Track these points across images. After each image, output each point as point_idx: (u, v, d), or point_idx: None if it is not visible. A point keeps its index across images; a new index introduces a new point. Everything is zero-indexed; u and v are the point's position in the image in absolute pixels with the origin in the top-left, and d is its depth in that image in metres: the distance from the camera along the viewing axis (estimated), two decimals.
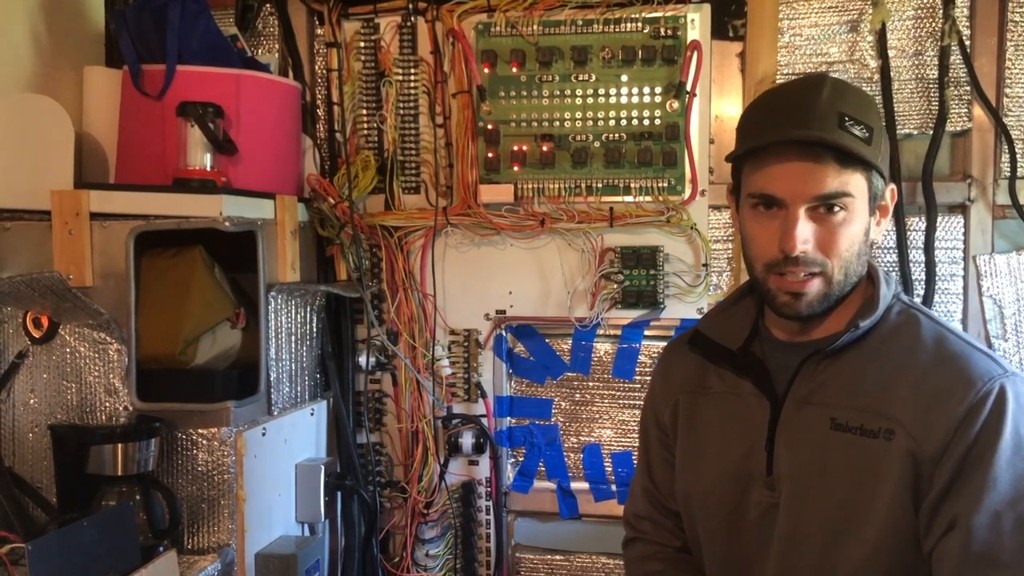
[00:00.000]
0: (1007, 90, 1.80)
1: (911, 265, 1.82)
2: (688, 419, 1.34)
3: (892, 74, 1.81)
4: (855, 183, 1.13)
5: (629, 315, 1.93)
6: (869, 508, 1.12)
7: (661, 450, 1.41)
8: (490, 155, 1.92)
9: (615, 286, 1.90)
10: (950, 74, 1.80)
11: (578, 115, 1.90)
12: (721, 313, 1.36)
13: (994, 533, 1.06)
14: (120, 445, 1.52)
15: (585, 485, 2.00)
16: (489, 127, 1.92)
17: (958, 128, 1.82)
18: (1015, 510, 1.06)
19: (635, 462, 1.97)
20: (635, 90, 1.88)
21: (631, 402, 1.97)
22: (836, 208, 1.13)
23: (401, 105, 1.97)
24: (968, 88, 1.80)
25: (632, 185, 1.88)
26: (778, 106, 1.19)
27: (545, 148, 1.90)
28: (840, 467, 1.15)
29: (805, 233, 1.13)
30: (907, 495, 1.11)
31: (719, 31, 1.87)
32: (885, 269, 1.28)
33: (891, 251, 1.83)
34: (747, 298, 1.33)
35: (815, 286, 1.15)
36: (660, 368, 1.46)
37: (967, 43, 1.79)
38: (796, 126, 1.12)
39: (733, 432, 1.26)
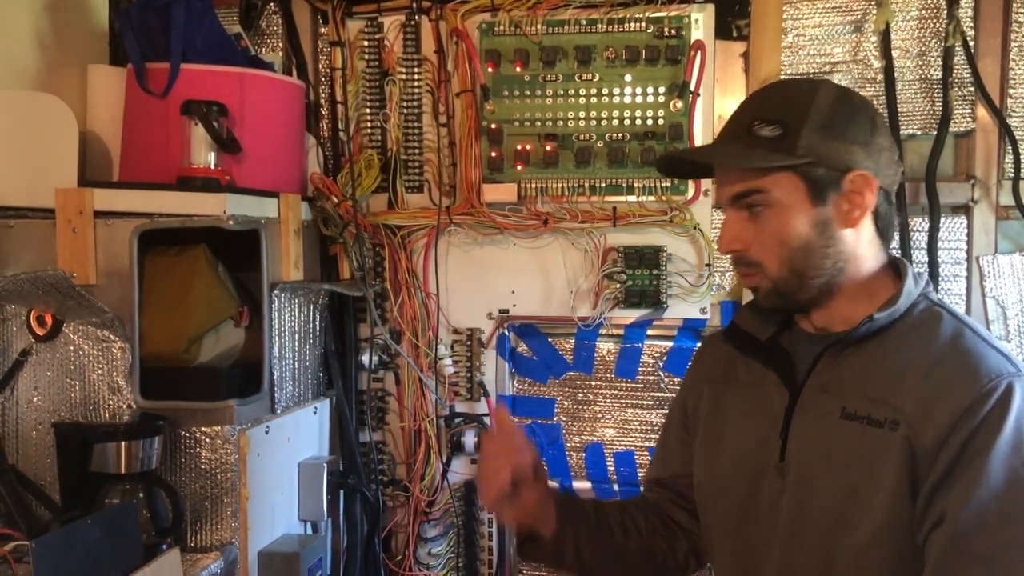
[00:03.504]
0: (1011, 91, 1.80)
1: (915, 266, 1.82)
2: (714, 408, 1.35)
3: (896, 74, 1.82)
4: (771, 179, 1.15)
5: (632, 315, 1.93)
6: (870, 496, 1.13)
7: (679, 431, 1.43)
8: (493, 154, 1.92)
9: (618, 286, 1.90)
10: (954, 75, 1.80)
11: (581, 115, 1.90)
12: (757, 305, 1.37)
13: (979, 529, 1.05)
14: (123, 443, 1.52)
15: (587, 484, 2.00)
16: (492, 126, 1.92)
17: (962, 129, 1.82)
18: (1002, 508, 1.05)
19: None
20: (639, 90, 1.88)
21: (633, 402, 1.97)
22: (755, 206, 1.17)
23: (405, 104, 1.97)
24: (972, 89, 1.80)
25: (635, 185, 1.89)
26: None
27: (548, 147, 1.90)
28: (845, 455, 1.15)
29: (731, 232, 1.19)
30: (906, 486, 1.11)
31: (723, 31, 1.87)
32: (918, 269, 1.27)
33: (894, 251, 1.83)
34: None
35: (758, 281, 1.21)
36: (693, 358, 1.49)
37: (971, 44, 1.79)
38: (717, 138, 1.26)
39: (753, 420, 1.27)
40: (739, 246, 1.19)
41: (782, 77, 1.84)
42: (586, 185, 1.90)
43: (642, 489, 1.53)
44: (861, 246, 1.20)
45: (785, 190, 1.16)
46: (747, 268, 1.21)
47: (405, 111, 1.97)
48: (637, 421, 1.98)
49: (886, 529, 1.12)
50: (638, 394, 1.97)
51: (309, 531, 1.87)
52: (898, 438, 1.11)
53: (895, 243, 1.83)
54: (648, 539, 1.41)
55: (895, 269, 1.24)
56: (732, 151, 1.20)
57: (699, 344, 1.51)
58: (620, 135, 1.89)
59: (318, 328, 1.93)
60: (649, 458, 1.97)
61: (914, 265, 1.80)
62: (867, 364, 1.18)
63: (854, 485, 1.14)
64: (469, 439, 1.96)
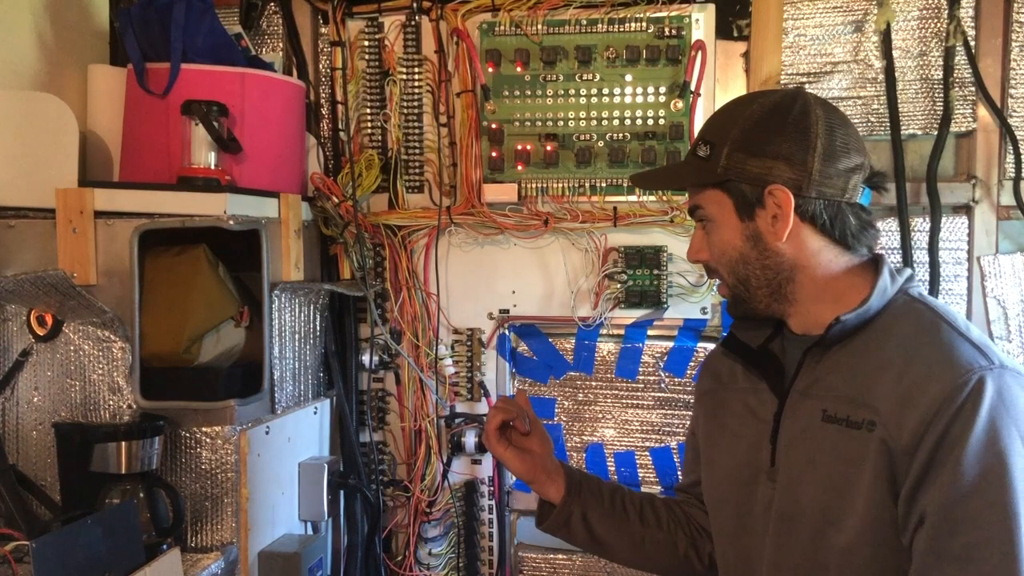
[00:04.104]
0: (1012, 91, 1.80)
1: (915, 266, 1.82)
2: (714, 416, 1.38)
3: (896, 74, 1.81)
4: (706, 196, 1.24)
5: (632, 315, 1.93)
6: (851, 498, 1.13)
7: (693, 441, 1.48)
8: (494, 154, 1.92)
9: (618, 286, 1.90)
10: (955, 74, 1.80)
11: (582, 114, 1.90)
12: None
13: (955, 528, 1.05)
14: (124, 443, 1.52)
15: None
16: (493, 126, 1.92)
17: (962, 129, 1.82)
18: (976, 505, 1.05)
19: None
20: (639, 90, 1.88)
21: (634, 402, 1.97)
22: (702, 220, 1.26)
23: (405, 104, 1.97)
24: (972, 89, 1.80)
25: None
26: None
27: (549, 147, 1.90)
28: (827, 458, 1.16)
29: (694, 244, 1.29)
30: (886, 486, 1.11)
31: (723, 31, 1.87)
32: (897, 266, 1.27)
33: (895, 251, 1.83)
34: None
35: (724, 289, 1.28)
36: (702, 366, 1.51)
37: (972, 44, 1.79)
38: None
39: (747, 427, 1.29)
40: (702, 256, 1.28)
41: (782, 78, 1.84)
42: (587, 185, 1.90)
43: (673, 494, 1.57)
44: (807, 256, 1.20)
45: (716, 206, 1.23)
46: (712, 276, 1.31)
47: (405, 111, 1.97)
48: (637, 421, 1.97)
49: (870, 530, 1.12)
50: (639, 394, 1.97)
51: (309, 531, 1.87)
52: (875, 439, 1.11)
53: (896, 243, 1.83)
54: (669, 533, 1.45)
55: (875, 267, 1.24)
56: (673, 172, 1.36)
57: (708, 354, 1.52)
58: (621, 135, 1.89)
59: (318, 328, 1.93)
60: (649, 458, 1.97)
61: (914, 265, 1.82)
62: (845, 365, 1.19)
63: (837, 487, 1.15)
64: (470, 439, 1.96)
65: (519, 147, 1.92)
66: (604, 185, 1.90)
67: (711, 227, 1.25)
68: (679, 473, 1.92)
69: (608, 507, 1.43)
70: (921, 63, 1.83)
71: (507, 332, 2.00)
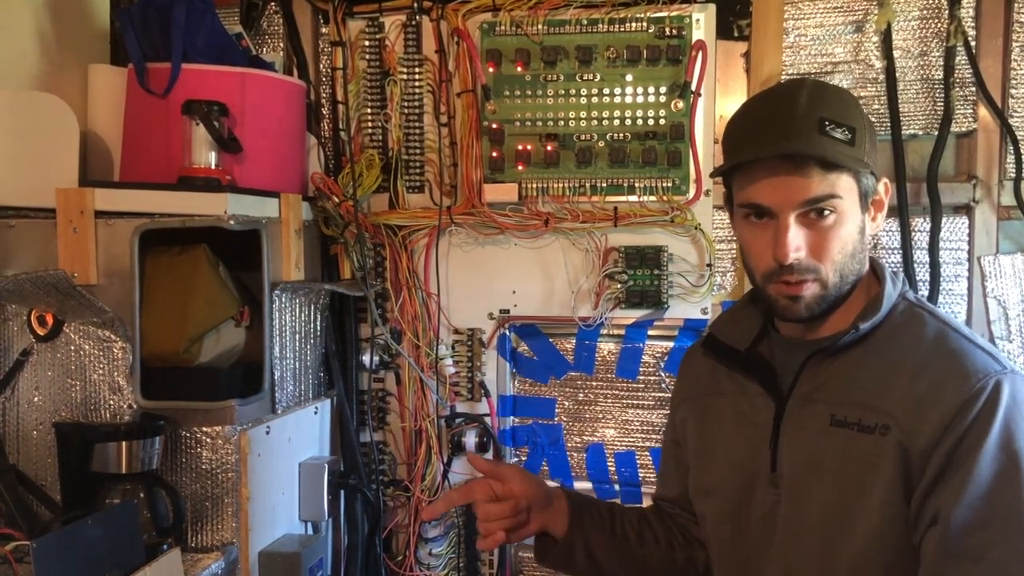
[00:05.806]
0: (1012, 91, 1.80)
1: (915, 266, 1.82)
2: (701, 420, 1.36)
3: (897, 74, 1.81)
4: (842, 184, 1.14)
5: (633, 315, 1.93)
6: (865, 502, 1.13)
7: (674, 448, 1.45)
8: (494, 154, 1.92)
9: (619, 286, 1.90)
10: (955, 75, 1.80)
11: (582, 114, 1.90)
12: (733, 315, 1.38)
13: (970, 527, 1.06)
14: (124, 443, 1.52)
15: (588, 485, 2.00)
16: (493, 126, 1.92)
17: (963, 129, 1.82)
18: (991, 505, 1.06)
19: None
20: (640, 90, 1.88)
21: (635, 402, 1.97)
22: (826, 212, 1.13)
23: (405, 104, 1.97)
24: (973, 89, 1.80)
25: (636, 185, 1.88)
26: (758, 117, 1.20)
27: (549, 147, 1.90)
28: (837, 462, 1.16)
29: (796, 240, 1.14)
30: (900, 489, 1.11)
31: (724, 31, 1.87)
32: (893, 269, 1.27)
33: (895, 252, 1.83)
34: (758, 299, 1.34)
35: (810, 289, 1.16)
36: (679, 370, 1.49)
37: (972, 44, 1.79)
38: (777, 137, 1.13)
39: (741, 431, 1.28)
40: (803, 254, 1.14)
41: (782, 78, 1.84)
42: (587, 185, 1.90)
43: (652, 503, 1.54)
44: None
45: (850, 197, 1.15)
46: (801, 276, 1.15)
47: (406, 111, 1.97)
48: (638, 421, 1.97)
49: (882, 533, 1.13)
50: (639, 394, 1.97)
51: (310, 531, 1.87)
52: (890, 443, 1.11)
53: (896, 243, 1.83)
54: (666, 549, 1.42)
55: (873, 270, 1.25)
56: (829, 148, 1.12)
57: (683, 355, 1.50)
58: (621, 135, 1.89)
59: (319, 328, 1.93)
60: (650, 458, 1.97)
61: (915, 266, 1.82)
62: (852, 370, 1.19)
63: (849, 492, 1.15)
64: (470, 439, 1.96)
65: (520, 147, 1.92)
66: (604, 185, 1.90)
67: (836, 219, 1.13)
68: None
69: (609, 533, 1.39)
70: (922, 63, 1.83)
71: (507, 332, 2.00)
